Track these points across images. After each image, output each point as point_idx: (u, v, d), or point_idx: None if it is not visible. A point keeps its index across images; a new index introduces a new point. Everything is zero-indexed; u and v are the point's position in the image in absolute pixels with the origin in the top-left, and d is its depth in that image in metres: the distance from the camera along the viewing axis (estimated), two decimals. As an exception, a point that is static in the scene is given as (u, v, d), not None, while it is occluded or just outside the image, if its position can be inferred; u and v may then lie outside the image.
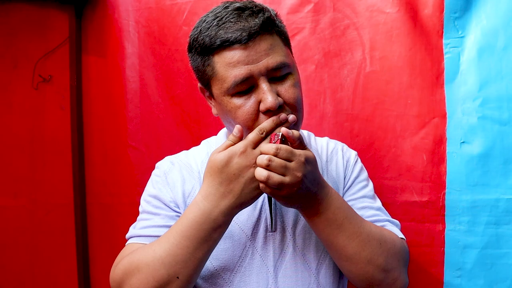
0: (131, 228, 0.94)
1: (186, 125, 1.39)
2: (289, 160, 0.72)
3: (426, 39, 1.19)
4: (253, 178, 0.73)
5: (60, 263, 1.49)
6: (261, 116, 0.79)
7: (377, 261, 0.81)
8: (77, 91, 1.46)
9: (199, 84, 0.90)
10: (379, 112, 1.23)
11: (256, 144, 0.74)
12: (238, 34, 0.77)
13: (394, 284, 0.83)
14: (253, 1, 0.84)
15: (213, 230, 0.76)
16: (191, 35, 0.85)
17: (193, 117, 1.39)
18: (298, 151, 0.74)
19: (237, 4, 0.81)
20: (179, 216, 0.88)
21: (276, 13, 0.85)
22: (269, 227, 0.89)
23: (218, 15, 0.80)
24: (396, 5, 1.21)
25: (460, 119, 1.16)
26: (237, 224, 0.89)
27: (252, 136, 0.74)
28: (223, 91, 0.81)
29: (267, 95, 0.78)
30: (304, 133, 1.03)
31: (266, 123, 0.76)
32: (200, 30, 0.81)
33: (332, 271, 0.91)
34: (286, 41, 0.85)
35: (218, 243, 0.83)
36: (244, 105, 0.80)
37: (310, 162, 0.76)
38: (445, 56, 1.18)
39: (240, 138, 0.76)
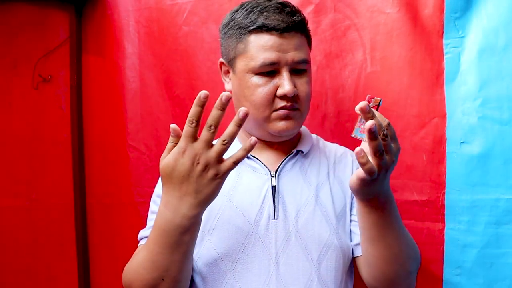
0: (141, 230, 0.98)
1: (187, 125, 1.39)
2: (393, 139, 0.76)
3: (426, 39, 1.19)
4: (204, 172, 0.70)
5: (60, 263, 1.48)
6: (276, 99, 0.90)
7: (408, 264, 0.90)
8: (77, 91, 1.46)
9: (221, 59, 0.99)
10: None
11: (193, 137, 0.70)
12: (279, 23, 0.87)
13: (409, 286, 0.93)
14: (289, 2, 0.95)
15: (182, 234, 0.75)
16: (226, 17, 0.96)
17: (193, 117, 1.39)
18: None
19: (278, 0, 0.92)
20: None
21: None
22: (271, 214, 0.91)
23: (260, 3, 0.91)
24: (396, 6, 1.21)
25: (460, 119, 1.17)
26: (240, 211, 0.91)
27: (185, 130, 0.70)
28: (248, 68, 0.90)
29: (287, 82, 0.88)
30: (313, 136, 1.07)
31: (193, 113, 0.70)
32: (242, 12, 0.91)
33: (335, 264, 0.92)
34: (309, 43, 0.97)
35: (221, 231, 0.89)
36: (264, 85, 0.89)
37: None
38: (445, 56, 1.18)
39: (178, 137, 0.71)
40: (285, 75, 0.88)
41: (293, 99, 0.90)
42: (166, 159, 0.72)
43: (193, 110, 0.70)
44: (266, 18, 0.88)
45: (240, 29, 0.90)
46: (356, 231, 0.95)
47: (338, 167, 1.01)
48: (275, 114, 0.91)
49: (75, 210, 1.47)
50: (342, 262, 0.93)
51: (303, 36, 0.93)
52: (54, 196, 1.48)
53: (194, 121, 0.69)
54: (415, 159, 1.21)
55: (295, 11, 0.92)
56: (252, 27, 0.88)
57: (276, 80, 0.89)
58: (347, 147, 1.10)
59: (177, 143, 0.72)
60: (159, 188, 0.99)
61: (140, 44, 1.42)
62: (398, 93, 1.22)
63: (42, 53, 1.45)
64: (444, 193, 1.18)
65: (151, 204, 1.00)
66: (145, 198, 1.32)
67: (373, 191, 0.80)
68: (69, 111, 1.46)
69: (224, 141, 0.69)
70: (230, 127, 0.69)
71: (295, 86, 0.89)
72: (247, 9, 0.91)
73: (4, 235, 1.47)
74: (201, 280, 0.91)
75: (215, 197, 0.74)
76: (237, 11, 0.93)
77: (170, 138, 0.74)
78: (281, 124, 0.91)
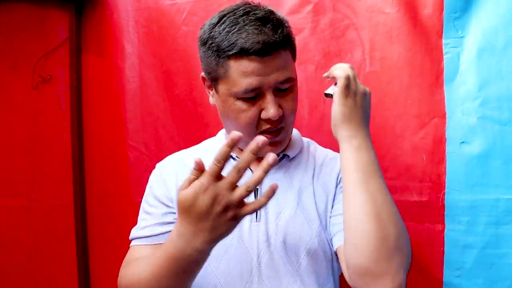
0: (132, 230, 0.96)
1: (186, 125, 1.39)
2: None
3: (426, 39, 1.19)
4: (223, 212, 0.68)
5: (60, 263, 1.49)
6: (261, 121, 0.86)
7: (390, 234, 0.77)
8: (77, 91, 1.46)
9: (202, 74, 0.93)
10: (379, 112, 1.23)
11: (217, 176, 0.68)
12: (259, 47, 0.80)
13: (394, 276, 0.77)
14: (272, 12, 0.86)
15: (190, 264, 0.74)
16: (204, 31, 0.87)
17: (193, 117, 1.39)
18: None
19: (259, 14, 0.83)
20: (172, 213, 0.92)
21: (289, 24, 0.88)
22: (253, 217, 0.91)
23: (239, 21, 0.82)
24: (396, 5, 1.21)
25: (460, 119, 1.16)
26: None
27: (211, 168, 0.68)
28: (231, 93, 0.85)
29: (271, 106, 0.84)
30: (305, 140, 1.06)
31: (222, 153, 0.68)
32: (220, 31, 0.83)
33: (317, 266, 0.91)
34: (294, 55, 0.90)
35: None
36: (248, 110, 0.85)
37: None
38: (445, 56, 1.18)
39: (201, 171, 0.69)
40: (269, 98, 0.84)
41: (278, 120, 0.86)
42: (187, 193, 0.69)
43: (223, 150, 0.67)
44: (245, 41, 0.80)
45: (218, 52, 0.83)
46: (335, 221, 0.92)
47: (324, 170, 0.98)
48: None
49: (75, 210, 1.47)
50: (324, 265, 0.92)
51: (287, 51, 0.86)
52: (54, 196, 1.48)
53: (221, 161, 0.68)
54: (415, 159, 1.20)
55: (278, 26, 0.83)
56: (230, 52, 0.81)
57: (260, 104, 0.85)
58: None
59: (198, 177, 0.69)
60: (149, 187, 0.98)
61: (140, 44, 1.42)
62: (397, 93, 1.22)
63: (42, 53, 1.45)
64: (444, 194, 1.18)
65: (143, 203, 0.98)
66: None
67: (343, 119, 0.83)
68: (69, 111, 1.46)
69: (248, 187, 0.67)
70: (258, 173, 0.66)
71: (280, 106, 0.86)
72: (225, 28, 0.83)
73: (4, 235, 1.47)
74: None
75: (225, 237, 0.73)
76: (215, 25, 0.84)
77: (193, 170, 0.70)
78: (267, 149, 0.89)
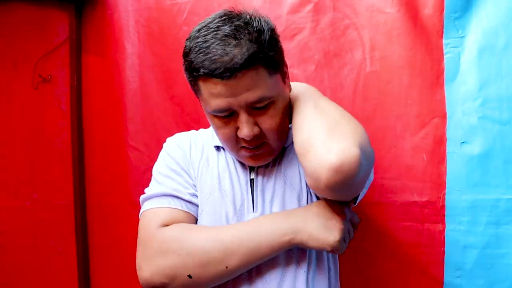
0: (149, 189, 0.96)
1: (186, 125, 1.39)
2: None
3: (426, 39, 1.19)
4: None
5: (60, 263, 1.49)
6: (239, 138, 0.86)
7: (327, 114, 0.83)
8: (77, 91, 1.46)
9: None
10: (379, 112, 1.23)
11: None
12: (221, 70, 0.77)
13: (339, 141, 0.76)
14: (249, 21, 0.81)
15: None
16: (185, 43, 0.85)
17: (193, 117, 1.39)
18: None
19: (227, 30, 0.79)
20: (195, 186, 0.95)
21: (272, 30, 0.84)
22: (250, 207, 0.92)
23: (208, 38, 0.79)
24: (396, 5, 1.21)
25: (460, 119, 1.16)
26: (228, 198, 0.93)
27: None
28: (206, 110, 0.86)
29: (243, 126, 0.82)
30: None
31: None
32: (191, 48, 0.81)
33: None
34: (274, 68, 0.84)
35: (209, 215, 0.92)
36: (224, 127, 0.85)
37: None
38: (445, 56, 1.18)
39: None
40: (241, 118, 0.82)
41: (256, 138, 0.84)
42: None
43: None
44: (209, 64, 0.77)
45: (190, 70, 0.82)
46: None
47: None
48: (241, 151, 0.89)
49: (75, 210, 1.47)
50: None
51: (259, 68, 0.80)
52: (54, 196, 1.48)
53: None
54: (415, 159, 1.20)
55: (247, 42, 0.78)
56: (198, 73, 0.80)
57: (235, 122, 0.84)
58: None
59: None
60: (167, 155, 0.99)
61: (140, 44, 1.42)
62: (398, 93, 1.22)
63: (42, 53, 1.45)
64: (444, 194, 1.18)
65: (163, 169, 0.97)
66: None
67: None
68: (69, 111, 1.46)
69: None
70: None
71: (257, 124, 0.84)
72: (196, 46, 0.80)
73: (4, 235, 1.47)
74: None
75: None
76: (191, 40, 0.82)
77: None
78: (250, 161, 0.91)
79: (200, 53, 0.79)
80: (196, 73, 0.80)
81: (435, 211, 1.18)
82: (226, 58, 0.77)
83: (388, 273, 1.23)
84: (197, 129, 1.36)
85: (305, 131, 0.81)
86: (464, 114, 1.16)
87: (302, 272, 0.88)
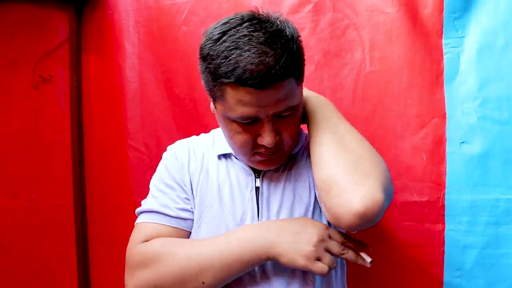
0: (143, 203, 0.96)
1: (186, 125, 1.39)
2: None
3: (426, 39, 1.19)
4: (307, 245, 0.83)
5: (60, 263, 1.49)
6: (257, 144, 0.84)
7: (350, 146, 0.83)
8: (77, 91, 1.46)
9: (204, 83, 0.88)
10: (379, 112, 1.23)
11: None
12: (256, 81, 0.74)
13: (364, 183, 0.75)
14: (282, 28, 0.78)
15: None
16: (205, 45, 0.80)
17: (193, 117, 1.39)
18: None
19: (262, 37, 0.75)
20: (187, 199, 0.94)
21: (298, 37, 0.82)
22: (255, 215, 0.91)
23: (239, 45, 0.75)
24: (396, 5, 1.21)
25: (460, 119, 1.16)
26: (228, 210, 0.92)
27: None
28: (227, 116, 0.82)
29: (267, 134, 0.81)
30: (305, 134, 1.04)
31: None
32: (218, 52, 0.77)
33: None
34: (301, 77, 0.84)
35: (209, 225, 0.91)
36: (243, 133, 0.83)
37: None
38: (445, 56, 1.18)
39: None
40: (266, 127, 0.80)
41: (275, 145, 0.83)
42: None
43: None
44: (243, 71, 0.73)
45: (217, 75, 0.77)
46: None
47: None
48: (255, 156, 0.87)
49: (75, 210, 1.47)
50: None
51: (291, 79, 0.78)
52: (54, 196, 1.48)
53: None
54: (415, 159, 1.20)
55: (283, 51, 0.75)
56: (227, 80, 0.75)
57: (257, 128, 0.82)
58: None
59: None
60: (163, 168, 0.98)
61: (140, 44, 1.42)
62: (397, 93, 1.22)
63: (42, 53, 1.45)
64: (444, 194, 1.18)
65: (158, 183, 0.96)
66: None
67: None
68: (69, 111, 1.46)
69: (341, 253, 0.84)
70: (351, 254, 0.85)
71: (278, 131, 0.83)
72: (224, 50, 0.76)
73: (4, 235, 1.47)
74: None
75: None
76: (216, 42, 0.78)
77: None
78: (261, 165, 0.90)
79: (232, 59, 0.75)
80: (225, 79, 0.76)
81: (435, 211, 1.18)
82: (262, 67, 0.73)
83: (388, 273, 1.23)
84: (197, 129, 1.37)
85: (327, 168, 0.80)
86: (463, 114, 1.16)
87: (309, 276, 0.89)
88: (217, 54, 0.77)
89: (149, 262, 0.84)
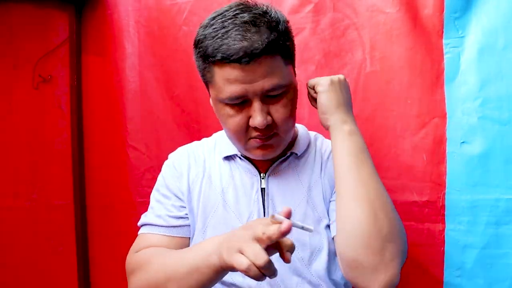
0: (142, 216, 0.97)
1: (186, 125, 1.39)
2: None
3: (426, 39, 1.19)
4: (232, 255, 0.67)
5: (60, 263, 1.49)
6: (250, 128, 0.85)
7: (383, 223, 0.77)
8: (77, 91, 1.46)
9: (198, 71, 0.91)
10: (379, 112, 1.24)
11: (259, 241, 0.65)
12: (240, 55, 0.76)
13: (387, 269, 0.77)
14: (267, 10, 0.82)
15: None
16: (198, 32, 0.85)
17: (193, 117, 1.39)
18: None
19: (246, 17, 0.79)
20: (183, 207, 0.94)
21: (287, 23, 0.85)
22: (261, 216, 0.91)
23: (225, 25, 0.79)
24: (396, 5, 1.21)
25: (460, 119, 1.16)
26: (233, 213, 0.92)
27: (267, 234, 0.65)
28: (218, 98, 0.84)
29: (257, 114, 0.81)
30: (312, 134, 1.05)
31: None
32: (206, 35, 0.81)
33: (326, 264, 0.90)
34: (289, 58, 0.86)
35: (214, 230, 0.91)
36: (235, 116, 0.84)
37: None
38: (445, 56, 1.18)
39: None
40: (255, 106, 0.81)
41: (268, 128, 0.84)
42: (244, 226, 0.73)
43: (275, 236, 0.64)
44: (228, 47, 0.77)
45: (205, 57, 0.82)
46: (334, 207, 0.89)
47: (330, 163, 0.97)
48: (250, 142, 0.87)
49: (75, 210, 1.47)
50: (334, 263, 0.91)
51: (276, 57, 0.81)
52: (54, 196, 1.48)
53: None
54: (415, 159, 1.20)
55: (266, 29, 0.79)
56: (214, 59, 0.79)
57: (247, 110, 0.83)
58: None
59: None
60: (162, 177, 0.99)
61: (140, 44, 1.42)
62: (398, 93, 1.22)
63: (42, 53, 1.45)
64: (444, 194, 1.18)
65: (156, 193, 0.98)
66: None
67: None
68: (69, 111, 1.46)
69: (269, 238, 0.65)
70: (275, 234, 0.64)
71: (269, 114, 0.83)
72: (212, 32, 0.80)
73: (4, 235, 1.47)
74: None
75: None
76: (206, 27, 0.82)
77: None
78: (258, 152, 0.89)
79: (218, 38, 0.78)
80: (212, 58, 0.79)
81: (435, 211, 1.18)
82: (245, 43, 0.76)
83: (388, 273, 1.24)
84: (197, 129, 1.37)
85: (356, 248, 0.78)
86: (464, 114, 1.16)
87: None
88: (205, 37, 0.81)
89: (137, 271, 0.86)
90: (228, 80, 0.80)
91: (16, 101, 1.46)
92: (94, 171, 1.49)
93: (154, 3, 1.40)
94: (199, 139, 1.10)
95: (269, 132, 0.85)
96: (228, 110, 0.84)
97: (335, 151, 0.85)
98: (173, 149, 1.09)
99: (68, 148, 1.47)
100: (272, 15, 0.81)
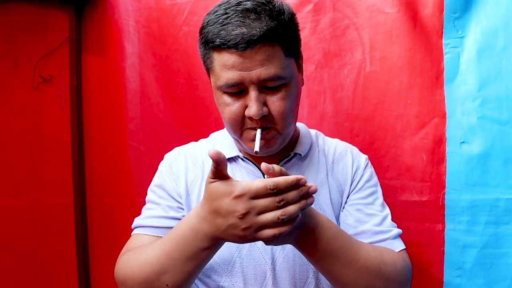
0: (136, 218, 0.96)
1: (186, 125, 1.39)
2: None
3: (426, 39, 1.19)
4: (235, 227, 0.67)
5: (60, 263, 1.49)
6: (246, 119, 0.83)
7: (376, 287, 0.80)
8: (77, 91, 1.46)
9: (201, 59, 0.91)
10: (379, 112, 1.24)
11: (258, 196, 0.65)
12: (237, 40, 0.76)
13: None
14: (269, 2, 0.81)
15: (200, 250, 0.73)
16: (204, 19, 0.84)
17: (193, 117, 1.39)
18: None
19: (249, 4, 0.79)
20: (180, 208, 0.92)
21: (293, 15, 0.84)
22: None
23: (227, 11, 0.79)
24: (396, 5, 1.21)
25: (460, 119, 1.17)
26: None
27: (259, 188, 0.65)
28: (216, 86, 0.83)
29: (252, 103, 0.80)
30: (312, 132, 1.03)
31: (282, 181, 0.66)
32: (209, 21, 0.81)
33: None
34: (290, 50, 0.83)
35: None
36: (232, 105, 0.82)
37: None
38: (445, 56, 1.18)
39: (220, 164, 0.66)
40: (251, 95, 0.80)
41: (264, 119, 0.82)
42: (218, 185, 0.68)
43: (285, 184, 0.66)
44: (227, 33, 0.77)
45: (205, 43, 0.81)
46: (344, 220, 0.92)
47: (337, 168, 0.96)
48: (246, 133, 0.86)
49: (75, 210, 1.47)
50: None
51: (275, 46, 0.79)
52: (54, 196, 1.48)
53: (276, 189, 0.65)
54: (415, 159, 1.21)
55: (267, 17, 0.78)
56: (212, 44, 0.79)
57: (244, 100, 0.81)
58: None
59: (220, 169, 0.67)
60: (157, 178, 0.98)
61: (140, 44, 1.42)
62: (397, 93, 1.22)
63: (42, 53, 1.45)
64: (444, 193, 1.18)
65: (150, 193, 0.97)
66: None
67: (283, 240, 0.75)
68: (69, 111, 1.46)
69: (280, 218, 0.65)
70: (293, 208, 0.65)
71: (266, 105, 0.81)
72: (214, 18, 0.80)
73: (5, 234, 1.47)
74: (198, 281, 0.91)
75: (231, 241, 0.71)
76: (210, 14, 0.82)
77: (213, 163, 0.67)
78: (253, 145, 0.84)
79: (218, 24, 0.78)
80: (211, 43, 0.79)
81: (435, 210, 1.19)
82: (244, 29, 0.76)
83: (388, 272, 1.24)
84: (197, 129, 1.37)
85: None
86: (463, 114, 1.16)
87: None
88: (207, 23, 0.81)
89: (123, 269, 0.84)
90: (225, 66, 0.79)
91: (17, 101, 1.47)
92: (94, 171, 1.49)
93: (154, 3, 1.40)
94: (199, 139, 1.10)
95: (265, 123, 0.83)
96: (226, 99, 0.83)
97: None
98: (173, 149, 1.10)
99: (68, 148, 1.47)
100: (276, 5, 0.80)
